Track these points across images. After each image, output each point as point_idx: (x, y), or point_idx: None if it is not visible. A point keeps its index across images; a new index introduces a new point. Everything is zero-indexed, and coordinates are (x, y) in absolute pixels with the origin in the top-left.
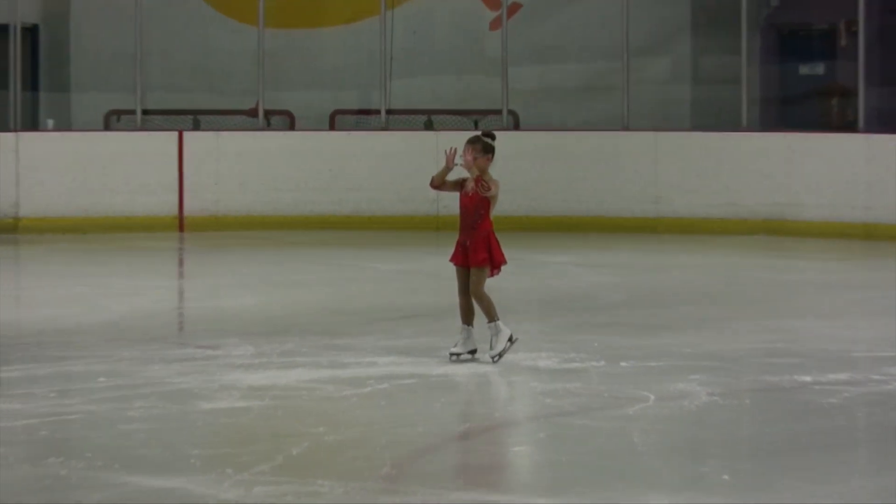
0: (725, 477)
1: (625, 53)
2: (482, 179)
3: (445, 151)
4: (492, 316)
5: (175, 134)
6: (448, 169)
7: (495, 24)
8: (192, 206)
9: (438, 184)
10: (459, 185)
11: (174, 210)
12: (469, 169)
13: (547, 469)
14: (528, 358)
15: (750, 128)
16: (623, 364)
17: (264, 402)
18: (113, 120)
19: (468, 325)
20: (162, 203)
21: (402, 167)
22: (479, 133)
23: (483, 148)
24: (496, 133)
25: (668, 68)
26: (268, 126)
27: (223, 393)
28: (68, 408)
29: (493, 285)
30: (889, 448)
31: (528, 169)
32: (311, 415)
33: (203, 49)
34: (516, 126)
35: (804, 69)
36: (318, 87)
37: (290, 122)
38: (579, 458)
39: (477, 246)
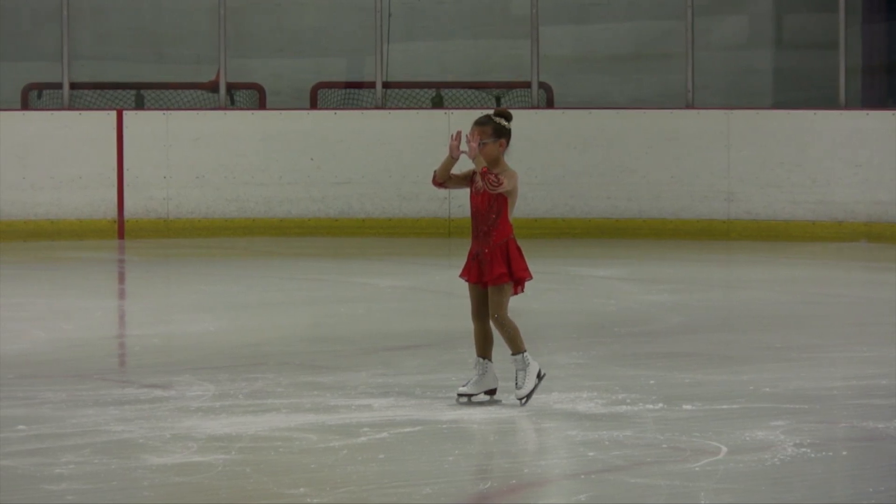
0: None
1: (689, 11)
2: (490, 172)
3: (452, 136)
4: (517, 346)
5: (112, 114)
6: (453, 160)
7: None
8: (134, 207)
9: (442, 180)
10: (469, 179)
11: (112, 211)
12: (474, 158)
13: None
14: (565, 399)
15: (848, 105)
16: (686, 407)
17: (229, 455)
18: (33, 96)
19: (485, 359)
20: (96, 202)
21: (403, 156)
22: (490, 113)
23: (494, 131)
24: (518, 112)
25: (743, 29)
26: (231, 103)
27: (176, 444)
28: None
29: (518, 307)
30: None
31: (563, 158)
32: (288, 472)
33: (148, 6)
34: (549, 103)
35: None
36: (295, 53)
37: (259, 97)
38: None
39: (494, 258)
